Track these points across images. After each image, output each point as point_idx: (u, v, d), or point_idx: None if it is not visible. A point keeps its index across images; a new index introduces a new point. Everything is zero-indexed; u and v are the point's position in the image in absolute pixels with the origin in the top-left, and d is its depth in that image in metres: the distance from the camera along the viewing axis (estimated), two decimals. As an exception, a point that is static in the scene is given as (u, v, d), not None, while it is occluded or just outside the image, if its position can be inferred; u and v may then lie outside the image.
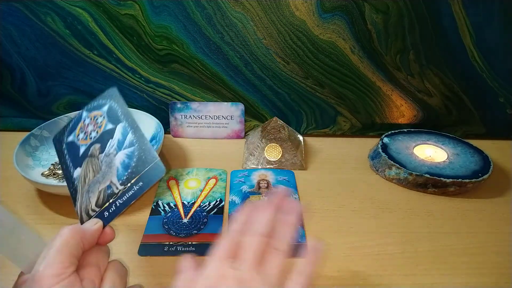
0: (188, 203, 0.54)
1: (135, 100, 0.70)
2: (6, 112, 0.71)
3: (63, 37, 0.64)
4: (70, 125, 0.41)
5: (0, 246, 0.28)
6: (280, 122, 0.64)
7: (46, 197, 0.55)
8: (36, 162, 0.58)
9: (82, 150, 0.39)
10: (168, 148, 0.68)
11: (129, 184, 0.34)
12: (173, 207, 0.53)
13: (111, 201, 0.34)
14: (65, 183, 0.55)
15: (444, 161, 0.60)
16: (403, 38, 0.63)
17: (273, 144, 0.63)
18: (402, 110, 0.70)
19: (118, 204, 0.34)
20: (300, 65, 0.66)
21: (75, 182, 0.37)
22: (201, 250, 0.46)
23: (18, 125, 0.72)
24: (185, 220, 0.51)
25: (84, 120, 0.40)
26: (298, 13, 0.61)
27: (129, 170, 0.35)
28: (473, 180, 0.55)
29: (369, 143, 0.69)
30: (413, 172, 0.56)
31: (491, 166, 0.58)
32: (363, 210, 0.54)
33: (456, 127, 0.72)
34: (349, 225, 0.51)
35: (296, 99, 0.70)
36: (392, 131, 0.68)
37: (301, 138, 0.68)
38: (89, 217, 0.35)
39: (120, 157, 0.36)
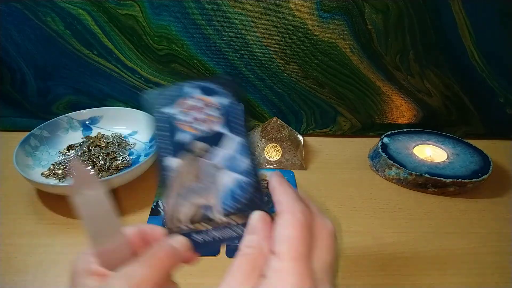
0: (188, 203, 0.54)
1: (135, 100, 0.70)
2: (6, 112, 0.71)
3: (63, 37, 0.64)
4: (172, 92, 0.33)
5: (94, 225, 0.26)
6: (280, 122, 0.64)
7: (46, 197, 0.55)
8: (36, 162, 0.58)
9: (180, 136, 0.32)
10: (168, 148, 0.68)
11: (233, 222, 0.30)
12: (173, 207, 0.53)
13: (207, 227, 0.30)
14: (64, 183, 0.55)
15: (444, 161, 0.60)
16: (403, 38, 0.63)
17: (273, 144, 0.63)
18: (402, 110, 0.70)
19: (214, 237, 0.30)
20: (300, 65, 0.66)
21: (168, 172, 0.31)
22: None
23: (18, 125, 0.72)
24: (185, 220, 0.51)
25: (186, 98, 0.33)
26: (298, 13, 0.61)
27: (236, 204, 0.30)
28: (473, 180, 0.55)
29: (369, 143, 0.69)
30: (413, 172, 0.56)
31: (491, 166, 0.58)
32: (363, 210, 0.54)
33: (456, 127, 0.72)
34: (349, 225, 0.51)
35: (296, 99, 0.70)
36: (392, 131, 0.68)
37: (301, 138, 0.68)
38: (176, 228, 0.30)
39: (229, 180, 0.31)
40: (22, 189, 0.56)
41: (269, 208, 0.30)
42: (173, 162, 0.31)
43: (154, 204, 0.54)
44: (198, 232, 0.30)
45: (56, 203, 0.53)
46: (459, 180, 0.55)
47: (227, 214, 0.30)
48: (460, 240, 0.49)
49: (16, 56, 0.65)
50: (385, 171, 0.60)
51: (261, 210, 0.30)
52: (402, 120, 0.72)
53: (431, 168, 0.58)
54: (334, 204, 0.55)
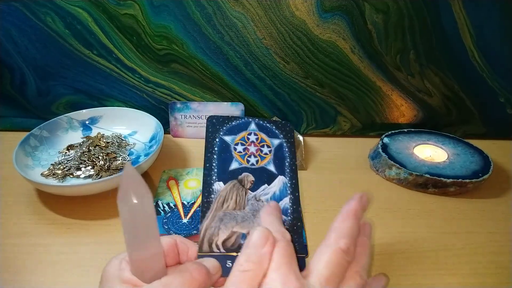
0: (188, 203, 0.54)
1: (134, 100, 0.70)
2: (5, 112, 0.71)
3: (63, 37, 0.64)
4: (234, 122, 0.37)
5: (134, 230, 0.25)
6: (280, 122, 0.64)
7: (45, 197, 0.55)
8: (36, 162, 0.58)
9: (233, 165, 0.35)
10: (167, 148, 0.68)
11: None
12: (173, 207, 0.53)
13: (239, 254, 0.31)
14: (64, 183, 0.55)
15: (444, 161, 0.60)
16: (403, 38, 0.63)
17: (273, 144, 0.63)
18: (402, 110, 0.70)
19: None
20: (300, 65, 0.66)
21: (212, 195, 0.33)
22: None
23: (18, 125, 0.72)
24: (185, 220, 0.51)
25: (250, 134, 0.37)
26: (298, 13, 0.61)
27: None
28: (473, 180, 0.55)
29: (369, 143, 0.69)
30: (413, 172, 0.56)
31: (491, 166, 0.58)
32: (363, 210, 0.54)
33: (456, 127, 0.72)
34: (349, 225, 0.51)
35: (296, 99, 0.70)
36: (392, 131, 0.68)
37: (301, 138, 0.68)
38: (210, 249, 0.31)
39: None
40: (21, 189, 0.56)
41: (301, 247, 0.31)
42: (217, 185, 0.34)
43: (154, 204, 0.54)
44: (230, 257, 0.30)
45: (56, 203, 0.53)
46: (460, 180, 0.55)
47: None
48: (460, 240, 0.49)
49: (16, 56, 0.65)
50: (385, 171, 0.60)
51: (300, 253, 0.31)
52: (402, 120, 0.72)
53: (432, 168, 0.58)
54: (334, 204, 0.55)
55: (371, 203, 0.55)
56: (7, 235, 0.48)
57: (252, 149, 0.36)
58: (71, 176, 0.57)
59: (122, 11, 0.61)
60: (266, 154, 0.35)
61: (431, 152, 0.63)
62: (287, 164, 0.35)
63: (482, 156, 0.61)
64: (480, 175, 0.56)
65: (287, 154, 0.36)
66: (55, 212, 0.52)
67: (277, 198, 0.33)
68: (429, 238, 0.49)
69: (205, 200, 0.33)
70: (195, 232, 0.49)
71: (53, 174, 0.56)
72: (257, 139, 0.36)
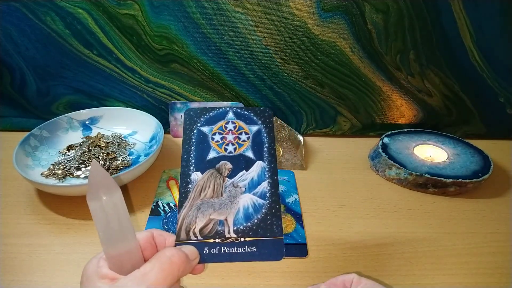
0: (188, 203, 0.54)
1: (134, 100, 0.70)
2: (5, 112, 0.71)
3: (63, 37, 0.64)
4: (211, 113, 0.37)
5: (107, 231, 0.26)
6: (280, 122, 0.64)
7: (45, 197, 0.55)
8: (36, 162, 0.58)
9: (211, 154, 0.35)
10: (167, 148, 0.68)
11: (242, 239, 0.31)
12: (173, 207, 0.53)
13: (217, 241, 0.31)
14: (64, 183, 0.55)
15: (444, 161, 0.60)
16: (403, 38, 0.63)
17: (273, 144, 0.63)
18: (402, 110, 0.70)
19: (223, 252, 0.31)
20: (300, 65, 0.66)
21: (189, 185, 0.34)
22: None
23: (18, 125, 0.72)
24: (185, 220, 0.51)
25: (228, 122, 0.37)
26: (298, 13, 0.61)
27: (248, 223, 0.32)
28: (473, 180, 0.55)
29: (369, 143, 0.69)
30: (413, 172, 0.56)
31: (491, 166, 0.58)
32: (363, 210, 0.54)
33: (456, 127, 0.72)
34: (349, 225, 0.51)
35: (296, 99, 0.70)
36: (392, 131, 0.68)
37: (301, 138, 0.68)
38: (187, 238, 0.31)
39: (246, 200, 0.33)
40: (22, 189, 0.56)
41: (279, 230, 0.32)
42: (195, 175, 0.34)
43: (154, 204, 0.54)
44: (207, 244, 0.31)
45: (56, 203, 0.53)
46: (460, 180, 0.55)
47: (238, 232, 0.32)
48: (460, 240, 0.49)
49: (16, 56, 0.65)
50: (385, 171, 0.60)
51: (271, 231, 0.32)
52: (402, 120, 0.72)
53: (432, 168, 0.58)
54: (334, 204, 0.55)
55: (372, 203, 0.55)
56: (7, 235, 0.48)
57: (230, 137, 0.36)
58: (71, 176, 0.57)
59: (122, 11, 0.61)
60: (244, 141, 0.36)
61: (431, 152, 0.63)
62: (265, 149, 0.36)
63: (482, 156, 0.61)
64: (480, 175, 0.56)
65: (265, 139, 0.36)
66: (55, 212, 0.52)
67: (255, 183, 0.34)
68: (429, 238, 0.49)
69: (182, 190, 0.33)
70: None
71: (53, 174, 0.56)
72: (234, 127, 0.37)
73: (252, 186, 0.34)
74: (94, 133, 0.67)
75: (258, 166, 0.35)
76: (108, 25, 0.63)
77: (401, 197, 0.57)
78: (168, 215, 0.52)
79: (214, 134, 0.36)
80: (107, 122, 0.68)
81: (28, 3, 0.60)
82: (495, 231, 0.50)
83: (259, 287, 0.42)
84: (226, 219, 0.32)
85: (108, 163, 0.58)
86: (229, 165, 0.35)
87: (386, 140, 0.65)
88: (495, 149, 0.66)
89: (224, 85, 0.68)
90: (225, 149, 0.36)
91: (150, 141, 0.64)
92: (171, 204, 0.54)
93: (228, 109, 0.38)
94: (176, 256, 0.27)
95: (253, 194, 0.33)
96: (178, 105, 0.69)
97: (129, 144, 0.64)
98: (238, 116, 0.37)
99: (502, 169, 0.63)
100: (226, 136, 0.36)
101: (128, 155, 0.62)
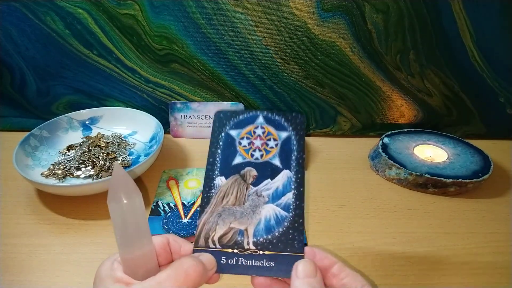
0: (188, 203, 0.54)
1: (134, 100, 0.70)
2: (5, 112, 0.71)
3: (63, 37, 0.64)
4: (241, 116, 0.36)
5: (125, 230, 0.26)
6: (280, 122, 0.64)
7: (45, 197, 0.55)
8: (36, 162, 0.58)
9: (236, 159, 0.34)
10: (167, 148, 0.68)
11: (261, 252, 0.30)
12: (173, 207, 0.53)
13: (235, 251, 0.30)
14: (64, 183, 0.55)
15: (444, 161, 0.60)
16: (403, 38, 0.63)
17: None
18: (402, 110, 0.70)
19: (240, 263, 0.30)
20: (300, 65, 0.66)
21: (212, 190, 0.33)
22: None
23: (18, 125, 0.72)
24: (185, 220, 0.51)
25: (257, 127, 0.35)
26: (298, 13, 0.61)
27: (269, 236, 0.31)
28: (473, 180, 0.55)
29: (369, 143, 0.69)
30: (413, 172, 0.56)
31: (491, 166, 0.58)
32: (363, 210, 0.54)
33: (456, 127, 0.72)
34: (349, 225, 0.51)
35: (296, 99, 0.70)
36: (392, 131, 0.68)
37: (301, 138, 0.68)
38: (206, 245, 0.30)
39: (268, 211, 0.32)
40: (22, 189, 0.56)
41: (300, 246, 0.31)
42: (219, 179, 0.33)
43: (154, 204, 0.54)
44: (225, 254, 0.30)
45: (56, 203, 0.53)
46: (460, 180, 0.55)
47: (257, 245, 0.30)
48: (460, 240, 0.49)
49: (16, 56, 0.65)
50: (385, 171, 0.60)
51: (292, 246, 0.30)
52: (402, 120, 0.72)
53: (432, 168, 0.58)
54: (334, 204, 0.55)
55: (372, 203, 0.55)
56: (7, 235, 0.48)
57: (258, 143, 0.35)
58: (71, 176, 0.57)
59: (122, 11, 0.61)
60: (272, 147, 0.34)
61: (431, 152, 0.63)
62: (293, 157, 0.34)
63: (482, 156, 0.61)
64: (480, 175, 0.56)
65: (294, 148, 0.35)
66: (55, 212, 0.52)
67: (280, 194, 0.33)
68: (429, 238, 0.49)
69: (205, 195, 0.33)
70: (195, 232, 0.49)
71: (53, 174, 0.56)
72: (263, 132, 0.35)
73: (276, 197, 0.32)
74: (94, 133, 0.67)
75: (284, 176, 0.33)
76: (108, 25, 0.63)
77: (401, 197, 0.57)
78: (168, 215, 0.52)
79: (242, 138, 0.35)
80: (107, 122, 0.68)
81: (28, 3, 0.60)
82: (495, 231, 0.50)
83: (259, 287, 0.42)
84: (246, 229, 0.31)
85: (108, 163, 0.58)
86: (254, 172, 0.34)
87: (386, 140, 0.65)
88: (495, 149, 0.66)
89: (224, 85, 0.68)
90: (252, 155, 0.34)
91: (150, 141, 0.64)
92: (171, 204, 0.54)
93: (259, 113, 0.36)
94: (192, 268, 0.27)
95: (276, 205, 0.32)
96: (178, 105, 0.69)
97: (129, 144, 0.64)
98: (268, 121, 0.36)
99: (502, 169, 0.63)
100: (253, 141, 0.35)
101: (128, 155, 0.62)
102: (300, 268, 0.28)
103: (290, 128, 0.35)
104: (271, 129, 0.35)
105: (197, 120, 0.71)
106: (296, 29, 0.62)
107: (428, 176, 0.56)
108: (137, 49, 0.65)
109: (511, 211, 0.54)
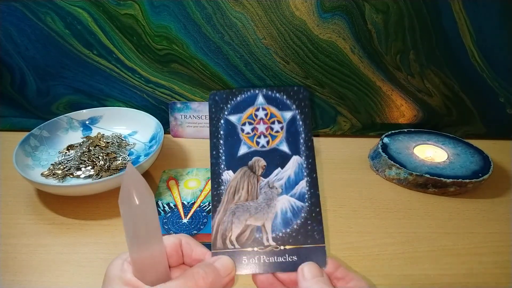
0: (188, 203, 0.54)
1: (134, 100, 0.70)
2: (5, 112, 0.71)
3: (63, 37, 0.64)
4: (238, 97, 0.32)
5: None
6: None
7: (45, 197, 0.55)
8: (36, 162, 0.58)
9: (242, 149, 0.31)
10: (168, 148, 0.68)
11: (282, 247, 0.29)
12: (173, 207, 0.53)
13: (256, 249, 0.29)
14: (64, 183, 0.55)
15: (444, 161, 0.60)
16: (403, 38, 0.63)
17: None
18: (402, 110, 0.70)
19: (262, 261, 0.29)
20: (300, 65, 0.66)
21: (222, 187, 0.30)
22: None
23: (18, 125, 0.72)
24: (185, 220, 0.51)
25: (258, 109, 0.32)
26: (298, 13, 0.61)
27: (288, 230, 0.29)
28: (473, 180, 0.55)
29: (369, 143, 0.69)
30: (413, 172, 0.56)
31: (491, 166, 0.58)
32: (363, 210, 0.54)
33: (456, 127, 0.72)
34: (349, 225, 0.51)
35: (296, 99, 0.70)
36: (392, 131, 0.68)
37: (301, 138, 0.68)
38: (224, 246, 0.29)
39: (283, 203, 0.30)
40: (22, 189, 0.56)
41: (320, 236, 0.29)
42: (228, 175, 0.31)
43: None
44: (246, 253, 0.29)
45: (56, 203, 0.53)
46: (460, 180, 0.55)
47: (277, 240, 0.29)
48: (460, 240, 0.49)
49: (16, 56, 0.65)
50: (385, 171, 0.60)
51: (312, 237, 0.29)
52: (402, 120, 0.72)
53: (432, 168, 0.58)
54: (334, 204, 0.55)
55: (372, 203, 0.55)
56: (7, 235, 0.48)
57: (262, 128, 0.32)
58: (71, 176, 0.57)
59: (122, 11, 0.61)
60: (277, 132, 0.31)
61: (431, 152, 0.63)
62: (301, 140, 0.31)
63: (482, 156, 0.61)
64: (480, 175, 0.56)
65: (301, 129, 0.31)
66: (55, 212, 0.52)
67: (292, 183, 0.30)
68: (429, 238, 0.49)
69: (214, 192, 0.30)
70: (195, 232, 0.49)
71: (53, 174, 0.56)
72: (266, 114, 0.32)
73: (289, 186, 0.30)
74: (94, 133, 0.67)
75: (295, 162, 0.31)
76: (108, 25, 0.63)
77: (401, 197, 0.57)
78: (168, 215, 0.52)
79: (244, 124, 0.32)
80: (107, 122, 0.68)
81: (28, 3, 0.60)
82: (495, 231, 0.50)
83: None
84: (263, 225, 0.30)
85: (108, 163, 0.58)
86: (262, 162, 0.31)
87: (386, 140, 0.65)
88: (495, 149, 0.66)
89: (224, 85, 0.68)
90: (257, 143, 0.31)
91: (150, 141, 0.64)
92: (171, 204, 0.54)
93: (257, 91, 0.32)
94: (203, 279, 0.26)
95: (291, 196, 0.30)
96: (178, 105, 0.69)
97: (129, 144, 0.64)
98: (269, 100, 0.32)
99: (502, 169, 0.63)
100: (257, 126, 0.32)
101: (128, 155, 0.62)
102: (306, 270, 0.28)
103: (294, 106, 0.32)
104: (273, 109, 0.32)
105: (197, 120, 0.71)
106: (296, 29, 0.62)
107: (428, 176, 0.56)
108: (137, 49, 0.65)
109: (511, 211, 0.54)
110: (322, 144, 0.70)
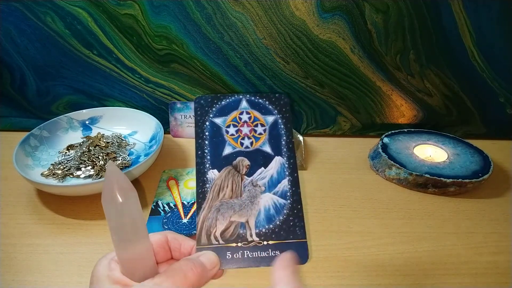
0: (188, 203, 0.54)
1: (134, 100, 0.70)
2: (5, 112, 0.71)
3: (63, 37, 0.64)
4: (223, 102, 0.34)
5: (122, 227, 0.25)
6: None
7: (45, 197, 0.55)
8: (36, 162, 0.58)
9: (226, 150, 0.33)
10: (167, 148, 0.68)
11: (265, 243, 0.30)
12: (173, 207, 0.53)
13: (239, 245, 0.30)
14: (64, 183, 0.55)
15: (444, 161, 0.60)
16: (403, 38, 0.63)
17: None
18: (402, 110, 0.70)
19: (246, 256, 0.30)
20: (300, 65, 0.66)
21: (206, 185, 0.32)
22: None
23: (18, 125, 0.72)
24: (185, 220, 0.51)
25: (242, 113, 0.34)
26: (298, 13, 0.61)
27: (271, 226, 0.31)
28: (473, 180, 0.55)
29: (369, 143, 0.69)
30: (413, 172, 0.56)
31: (491, 166, 0.58)
32: (363, 210, 0.54)
33: (456, 127, 0.72)
34: (349, 225, 0.51)
35: (296, 99, 0.70)
36: (392, 131, 0.68)
37: (301, 138, 0.68)
38: (209, 242, 0.30)
39: (266, 201, 0.32)
40: (22, 189, 0.56)
41: (302, 232, 0.31)
42: (213, 174, 0.32)
43: (154, 204, 0.54)
44: (230, 249, 0.30)
45: (56, 203, 0.53)
46: (459, 180, 0.55)
47: (261, 236, 0.30)
48: (460, 240, 0.49)
49: (16, 56, 0.65)
50: (385, 171, 0.60)
51: (294, 233, 0.30)
52: (402, 120, 0.72)
53: (431, 168, 0.58)
54: (334, 204, 0.55)
55: (372, 203, 0.55)
56: (7, 235, 0.48)
57: (246, 130, 0.34)
58: (71, 176, 0.57)
59: (122, 11, 0.61)
60: (260, 134, 0.34)
61: (431, 152, 0.63)
62: (283, 142, 0.34)
63: (482, 156, 0.61)
64: (480, 175, 0.56)
65: (283, 132, 0.34)
66: (55, 212, 0.52)
67: (275, 181, 0.32)
68: (429, 238, 0.49)
69: (199, 190, 0.32)
70: (195, 232, 0.49)
71: (53, 174, 0.56)
72: (249, 118, 0.34)
73: (272, 185, 0.32)
74: (94, 133, 0.67)
75: (277, 162, 0.33)
76: (108, 25, 0.63)
77: (401, 197, 0.57)
78: (168, 215, 0.52)
79: (228, 126, 0.34)
80: (107, 122, 0.68)
81: (28, 3, 0.60)
82: (495, 231, 0.50)
83: (258, 286, 0.42)
84: (247, 222, 0.31)
85: (108, 163, 0.58)
86: (246, 162, 0.33)
87: (386, 140, 0.65)
88: (495, 149, 0.66)
89: (224, 85, 0.68)
90: (241, 144, 0.33)
91: (150, 141, 0.64)
92: (171, 204, 0.54)
93: (241, 96, 0.35)
94: (191, 271, 0.26)
95: (274, 194, 0.32)
96: (178, 105, 0.69)
97: (129, 144, 0.64)
98: (252, 105, 0.34)
99: (502, 169, 0.63)
100: (241, 128, 0.34)
101: (128, 155, 0.62)
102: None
103: (276, 111, 0.35)
104: (256, 114, 0.34)
105: (197, 120, 0.70)
106: (296, 29, 0.62)
107: (428, 176, 0.56)
108: (137, 49, 0.65)
109: (511, 211, 0.54)
110: (322, 144, 0.70)
